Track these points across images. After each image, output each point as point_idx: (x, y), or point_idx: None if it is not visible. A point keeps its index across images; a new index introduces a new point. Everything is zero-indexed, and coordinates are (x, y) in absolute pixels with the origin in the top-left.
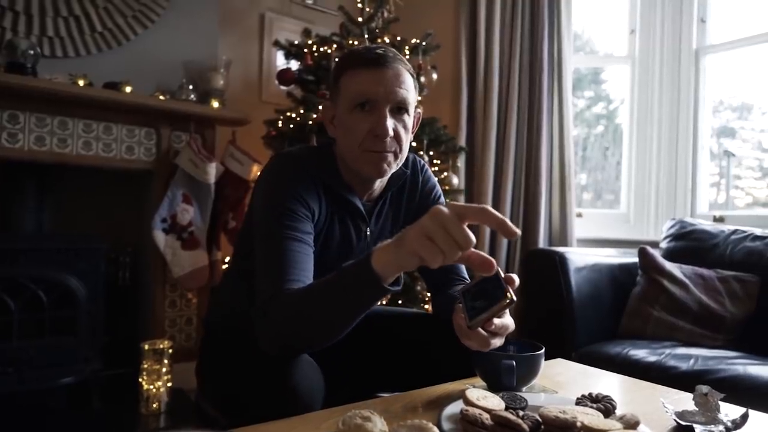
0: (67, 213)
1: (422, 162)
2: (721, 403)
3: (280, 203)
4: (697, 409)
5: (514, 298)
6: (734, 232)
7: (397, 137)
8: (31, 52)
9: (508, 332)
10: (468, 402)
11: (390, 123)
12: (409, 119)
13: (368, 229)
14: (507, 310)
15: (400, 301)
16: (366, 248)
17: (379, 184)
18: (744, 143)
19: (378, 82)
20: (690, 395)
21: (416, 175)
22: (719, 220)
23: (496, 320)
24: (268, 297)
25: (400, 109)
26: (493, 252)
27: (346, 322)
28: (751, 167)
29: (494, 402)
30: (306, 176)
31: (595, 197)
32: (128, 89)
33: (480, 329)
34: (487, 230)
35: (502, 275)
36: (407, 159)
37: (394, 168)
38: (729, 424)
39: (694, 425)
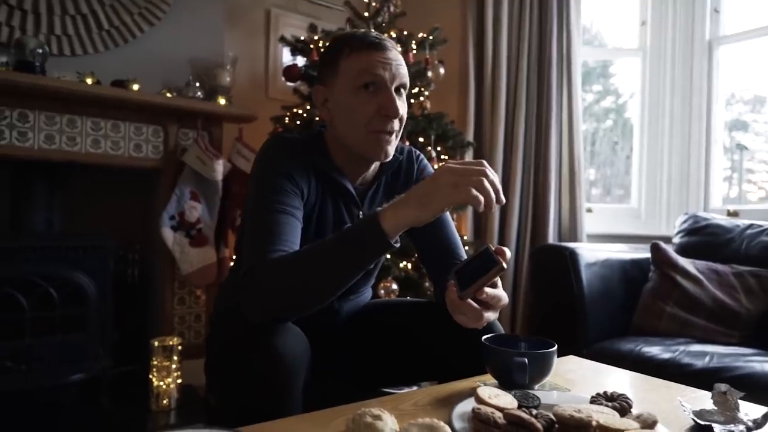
0: (76, 211)
1: (418, 152)
2: (740, 401)
3: (268, 178)
4: (715, 408)
5: (504, 265)
6: (749, 226)
7: (400, 118)
8: (40, 50)
9: (502, 305)
10: (480, 400)
11: (398, 102)
12: (405, 98)
13: (360, 213)
14: (499, 278)
15: (408, 298)
16: None
17: (373, 168)
18: (757, 137)
19: (383, 63)
20: (707, 393)
21: (411, 164)
22: (733, 214)
23: (488, 290)
24: (255, 262)
25: (399, 89)
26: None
27: (341, 281)
28: (764, 161)
29: (506, 400)
30: (297, 157)
31: (605, 192)
32: (135, 87)
33: (471, 301)
34: (496, 225)
35: (493, 248)
36: (402, 149)
37: (394, 148)
38: (750, 423)
39: (714, 425)
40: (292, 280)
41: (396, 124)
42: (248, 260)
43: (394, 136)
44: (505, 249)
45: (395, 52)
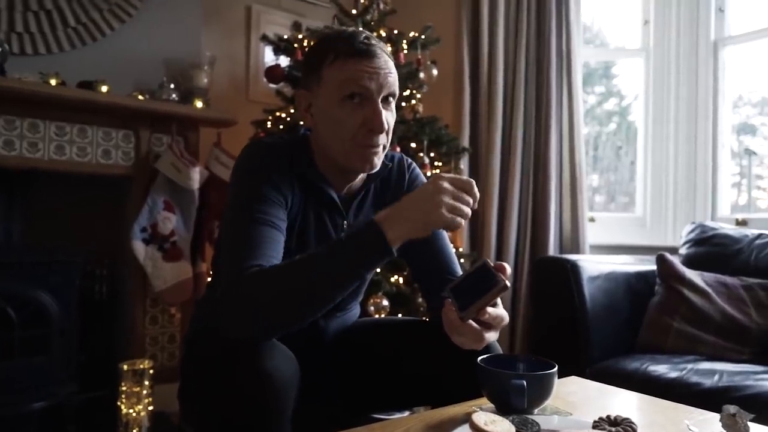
0: (38, 223)
1: (410, 161)
2: (750, 424)
3: (249, 186)
4: (724, 431)
5: (508, 283)
6: (759, 236)
7: (388, 130)
8: None
9: (503, 324)
10: (475, 427)
11: (384, 116)
12: (394, 107)
13: (345, 223)
14: (500, 299)
15: (400, 315)
16: None
17: (359, 177)
18: (766, 141)
19: (369, 73)
20: (716, 416)
21: (402, 173)
22: (742, 223)
23: (489, 309)
24: (234, 277)
25: (388, 97)
26: (499, 259)
27: (334, 291)
28: None
29: (504, 426)
30: (279, 164)
31: (608, 200)
32: (104, 89)
33: (472, 322)
34: (493, 236)
35: (492, 264)
36: (392, 156)
37: (382, 158)
38: None
39: None
40: (277, 292)
41: (383, 137)
42: (226, 275)
43: (381, 148)
44: (506, 265)
45: (384, 59)
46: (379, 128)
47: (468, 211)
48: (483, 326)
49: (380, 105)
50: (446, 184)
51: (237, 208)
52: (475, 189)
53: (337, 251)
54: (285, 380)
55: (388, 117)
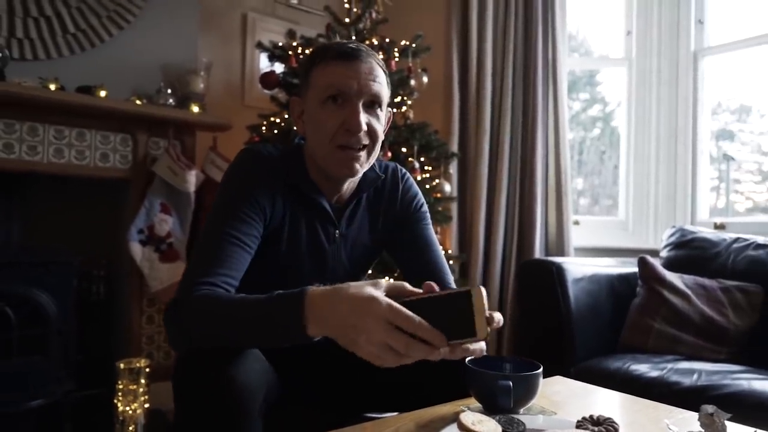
0: (37, 224)
1: (404, 170)
2: (727, 423)
3: (228, 202)
4: (702, 430)
5: (481, 337)
6: (736, 240)
7: (370, 132)
8: None
9: (495, 327)
10: (462, 427)
11: (363, 117)
12: (383, 115)
13: (337, 232)
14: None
15: None
16: (337, 251)
17: (349, 185)
18: (743, 146)
19: (351, 75)
20: (695, 415)
21: (396, 183)
22: (720, 227)
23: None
24: (183, 295)
25: (373, 103)
26: (486, 262)
27: (255, 347)
28: (751, 171)
29: (490, 426)
30: (266, 174)
31: (592, 202)
32: (103, 93)
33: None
34: (481, 239)
35: (475, 293)
36: (387, 167)
37: (366, 167)
38: None
39: None
40: (209, 327)
41: (363, 139)
42: (180, 287)
43: (363, 152)
44: (496, 318)
45: (369, 63)
46: (356, 128)
47: (405, 356)
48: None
49: (360, 107)
50: (396, 333)
51: (212, 221)
52: (435, 338)
53: (262, 317)
54: (249, 383)
55: (372, 122)
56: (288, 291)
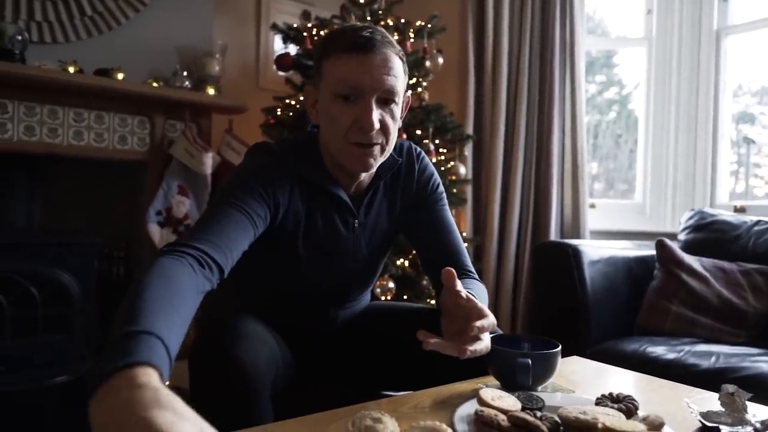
0: (58, 206)
1: (418, 149)
2: (748, 403)
3: (239, 177)
4: (723, 409)
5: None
6: (757, 223)
7: (383, 129)
8: (19, 37)
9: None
10: (482, 402)
11: (376, 115)
12: (397, 108)
13: (356, 222)
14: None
15: (405, 297)
16: (356, 240)
17: (367, 174)
18: (764, 129)
19: (363, 71)
20: (714, 395)
21: (412, 163)
22: (740, 210)
23: (476, 323)
24: (166, 249)
25: (387, 98)
26: (501, 244)
27: None
28: None
29: (510, 402)
30: (278, 170)
31: (607, 186)
32: (120, 76)
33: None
34: (496, 221)
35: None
36: (401, 147)
37: (381, 160)
38: (758, 425)
39: (721, 426)
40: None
41: (377, 136)
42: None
43: (377, 149)
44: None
45: (383, 54)
46: (369, 127)
47: None
48: (471, 339)
49: (373, 104)
50: None
51: (219, 196)
52: None
53: (115, 326)
54: (256, 365)
55: (386, 118)
56: (133, 344)
